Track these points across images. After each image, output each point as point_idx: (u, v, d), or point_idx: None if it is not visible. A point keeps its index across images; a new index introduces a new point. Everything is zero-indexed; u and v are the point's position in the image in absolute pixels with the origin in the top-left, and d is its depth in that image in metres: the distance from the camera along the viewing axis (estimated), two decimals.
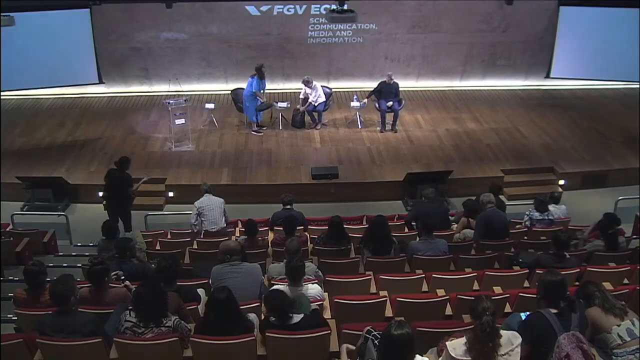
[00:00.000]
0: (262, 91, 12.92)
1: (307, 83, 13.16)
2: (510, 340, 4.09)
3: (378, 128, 13.37)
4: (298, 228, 8.01)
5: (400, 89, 13.27)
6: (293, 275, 5.49)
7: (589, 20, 14.79)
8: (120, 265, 6.31)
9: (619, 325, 4.44)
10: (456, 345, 4.12)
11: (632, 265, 6.62)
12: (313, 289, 5.57)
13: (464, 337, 4.12)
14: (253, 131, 13.22)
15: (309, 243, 7.96)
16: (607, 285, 6.06)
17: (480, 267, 6.67)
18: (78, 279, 5.96)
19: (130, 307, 4.85)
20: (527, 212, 8.80)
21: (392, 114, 13.26)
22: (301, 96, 13.40)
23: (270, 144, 12.87)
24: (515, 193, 11.30)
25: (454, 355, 4.09)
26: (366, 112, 13.77)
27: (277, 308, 4.83)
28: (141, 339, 4.70)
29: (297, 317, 4.85)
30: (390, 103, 13.06)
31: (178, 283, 5.58)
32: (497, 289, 6.02)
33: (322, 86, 13.57)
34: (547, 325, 4.31)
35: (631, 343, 4.37)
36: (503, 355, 4.02)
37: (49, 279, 5.65)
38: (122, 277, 5.95)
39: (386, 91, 13.08)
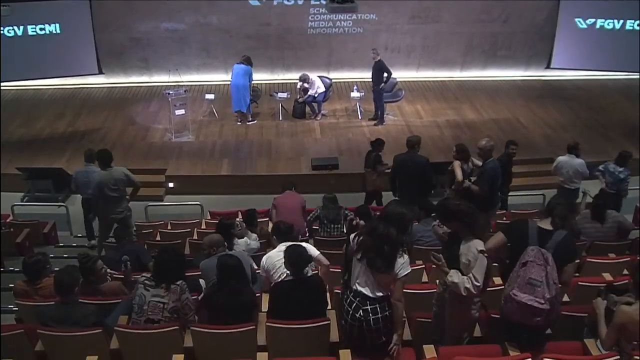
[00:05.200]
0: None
1: (304, 81, 13.13)
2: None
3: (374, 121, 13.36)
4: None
5: (398, 79, 13.21)
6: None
7: (589, 10, 14.76)
8: (120, 250, 6.44)
9: None
10: None
11: (631, 256, 6.62)
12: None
13: None
14: (249, 122, 13.20)
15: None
16: (607, 276, 6.09)
17: None
18: None
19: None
20: (604, 164, 9.26)
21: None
22: (298, 86, 13.40)
23: (271, 134, 12.86)
24: (515, 184, 11.22)
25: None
26: (366, 103, 13.73)
27: (295, 262, 4.97)
28: (140, 328, 4.76)
29: (310, 273, 5.26)
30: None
31: None
32: (497, 280, 6.01)
33: (322, 77, 13.53)
34: (523, 232, 4.53)
35: None
36: None
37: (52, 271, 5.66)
38: (128, 262, 6.01)
39: (374, 70, 12.76)
